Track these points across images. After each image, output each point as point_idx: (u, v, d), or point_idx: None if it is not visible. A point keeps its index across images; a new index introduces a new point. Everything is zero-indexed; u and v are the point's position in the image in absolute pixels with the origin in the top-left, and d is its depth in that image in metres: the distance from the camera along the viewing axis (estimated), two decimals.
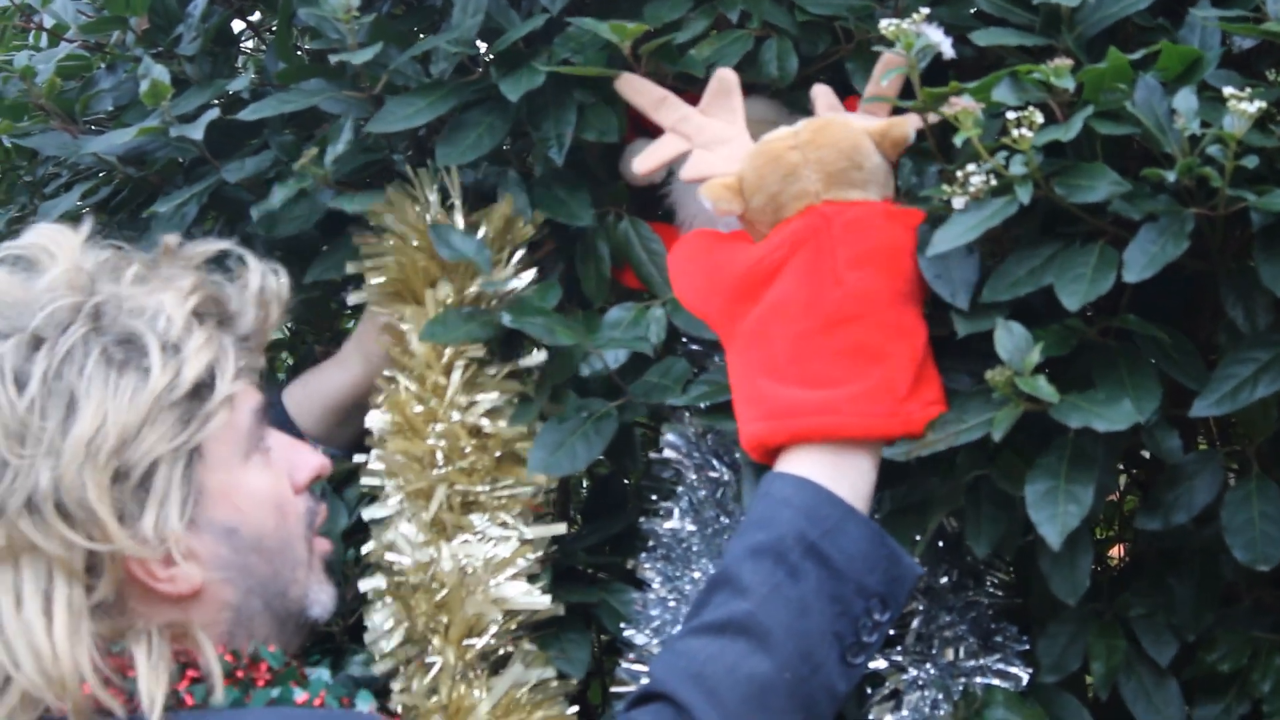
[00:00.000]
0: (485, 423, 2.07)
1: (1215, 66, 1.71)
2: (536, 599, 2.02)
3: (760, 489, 1.75)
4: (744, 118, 1.90)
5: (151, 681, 1.61)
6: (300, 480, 1.79)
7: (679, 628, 1.98)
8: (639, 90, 1.94)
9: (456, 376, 2.07)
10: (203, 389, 1.67)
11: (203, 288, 1.72)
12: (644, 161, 1.92)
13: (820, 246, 1.75)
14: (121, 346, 1.64)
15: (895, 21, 1.70)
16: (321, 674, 1.78)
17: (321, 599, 1.81)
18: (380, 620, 2.04)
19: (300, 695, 1.73)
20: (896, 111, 1.83)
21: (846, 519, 1.70)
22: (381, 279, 2.14)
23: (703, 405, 1.93)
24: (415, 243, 2.11)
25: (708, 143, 1.87)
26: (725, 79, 1.91)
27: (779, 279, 1.77)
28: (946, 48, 1.73)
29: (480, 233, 2.09)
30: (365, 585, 2.04)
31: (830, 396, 1.72)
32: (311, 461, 1.81)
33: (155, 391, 1.63)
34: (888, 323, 1.74)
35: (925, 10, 1.72)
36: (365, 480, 2.11)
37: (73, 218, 2.15)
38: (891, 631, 1.89)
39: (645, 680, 1.90)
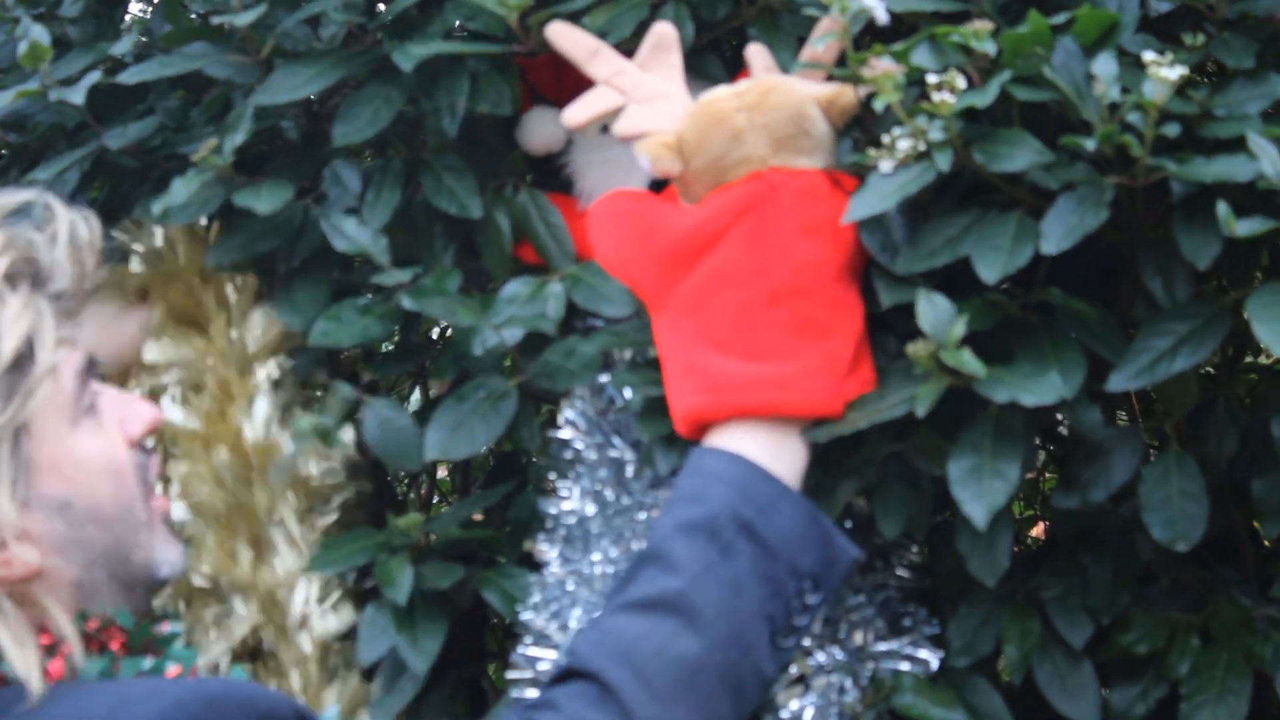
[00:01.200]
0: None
1: (1133, 31, 1.66)
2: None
3: (690, 462, 1.70)
4: (683, 74, 1.83)
5: (19, 650, 1.53)
6: (134, 433, 1.69)
7: (578, 611, 1.92)
8: (571, 41, 1.85)
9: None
10: (23, 361, 1.56)
11: (13, 246, 1.61)
12: (575, 114, 1.83)
13: (767, 214, 1.69)
14: None
15: None
16: (189, 651, 1.71)
17: (169, 558, 1.72)
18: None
19: (173, 668, 1.66)
20: (831, 78, 1.77)
21: (781, 497, 1.65)
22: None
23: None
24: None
25: (645, 98, 1.79)
26: (664, 33, 1.83)
27: (720, 246, 1.70)
28: (880, 13, 1.67)
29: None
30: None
31: (776, 371, 1.66)
32: (145, 413, 1.72)
33: None
34: (833, 298, 1.69)
35: None
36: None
37: None
38: None
39: (545, 660, 1.84)
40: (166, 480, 2.17)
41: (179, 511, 2.13)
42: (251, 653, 2.15)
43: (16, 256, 1.59)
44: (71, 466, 1.61)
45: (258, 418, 2.10)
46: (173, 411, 2.13)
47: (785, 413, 1.67)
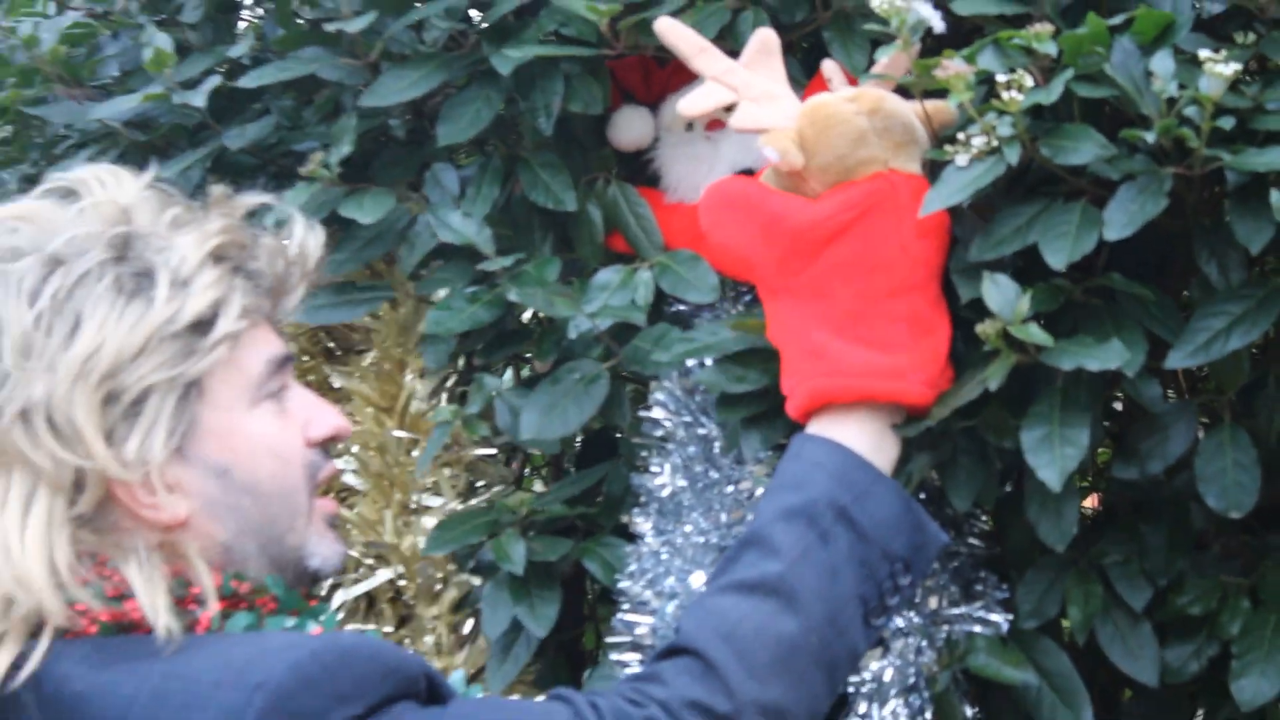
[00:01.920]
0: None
1: (1188, 30, 1.71)
2: None
3: (792, 449, 1.76)
4: (785, 77, 1.89)
5: (148, 592, 1.60)
6: (314, 435, 1.76)
7: (672, 579, 2.00)
8: (680, 37, 1.91)
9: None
10: (204, 324, 1.65)
11: (229, 232, 1.70)
12: (691, 105, 1.89)
13: (890, 213, 1.75)
14: (135, 278, 1.63)
15: None
16: (331, 616, 1.79)
17: (323, 552, 1.77)
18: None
19: (314, 628, 1.71)
20: (897, 88, 1.83)
21: (876, 484, 1.71)
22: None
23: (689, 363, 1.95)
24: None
25: (757, 97, 1.85)
26: (767, 38, 1.89)
27: (845, 238, 1.76)
28: (936, 21, 1.72)
29: None
30: None
31: (895, 361, 1.73)
32: (330, 420, 1.78)
33: (156, 321, 1.61)
34: (936, 296, 1.76)
35: None
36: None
37: None
38: None
39: (641, 625, 1.91)
40: None
41: (342, 463, 2.28)
42: (397, 622, 2.27)
43: (229, 240, 1.69)
44: (238, 439, 1.68)
45: (425, 388, 2.22)
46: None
47: (903, 401, 1.73)
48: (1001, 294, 1.65)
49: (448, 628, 2.26)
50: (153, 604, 1.59)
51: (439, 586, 2.29)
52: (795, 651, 1.64)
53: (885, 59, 1.78)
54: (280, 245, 1.76)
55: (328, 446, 1.79)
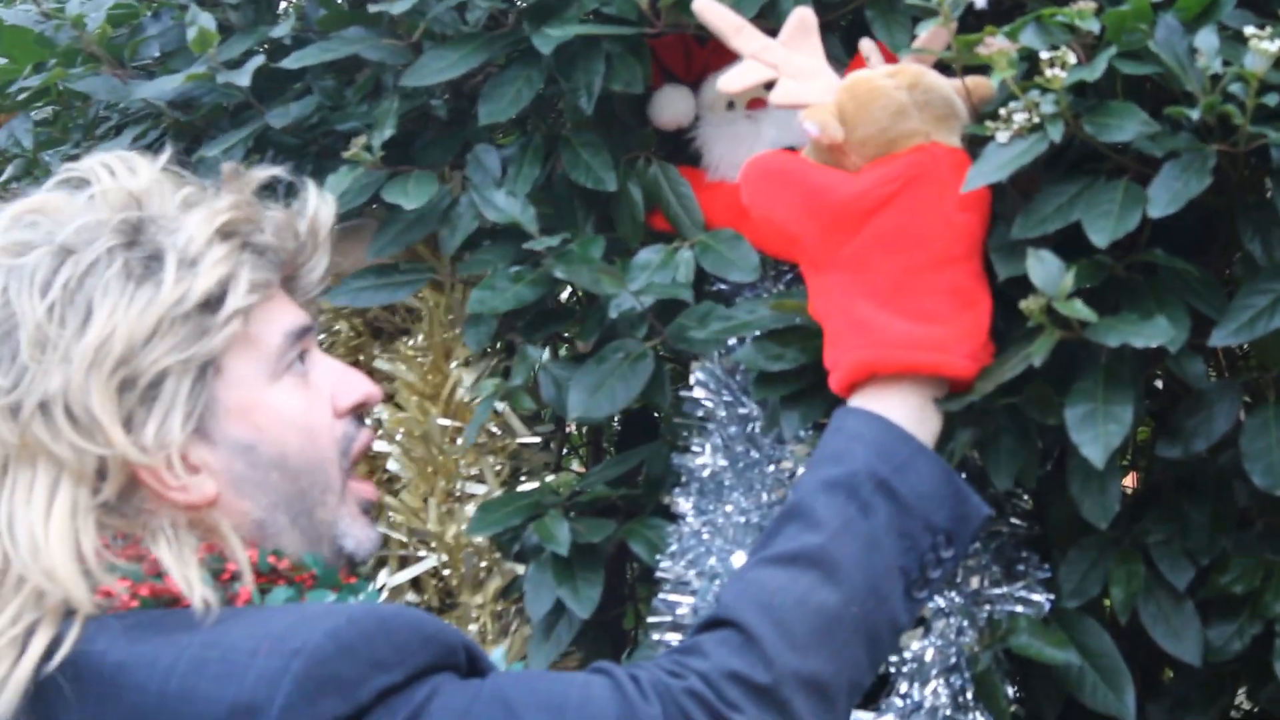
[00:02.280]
0: None
1: (1232, 7, 1.69)
2: None
3: (833, 423, 1.75)
4: (823, 55, 1.89)
5: (180, 567, 1.62)
6: (343, 405, 1.77)
7: (713, 559, 2.00)
8: (718, 15, 1.90)
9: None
10: (214, 303, 1.66)
11: (237, 208, 1.71)
12: (731, 82, 1.89)
13: (932, 185, 1.74)
14: (144, 261, 1.65)
15: None
16: (372, 592, 1.79)
17: (355, 533, 1.78)
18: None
19: (354, 601, 1.72)
20: (937, 63, 1.82)
21: (917, 455, 1.71)
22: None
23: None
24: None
25: (795, 73, 1.85)
26: (805, 17, 1.89)
27: (887, 210, 1.75)
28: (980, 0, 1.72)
29: None
30: None
31: (938, 333, 1.72)
32: (359, 386, 1.79)
33: (165, 304, 1.62)
34: (978, 269, 1.76)
35: None
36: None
37: None
38: None
39: (683, 605, 1.91)
40: (378, 423, 2.31)
41: (387, 448, 2.29)
42: (437, 608, 2.28)
43: (237, 217, 1.70)
44: (261, 414, 1.70)
45: (470, 377, 2.22)
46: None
47: (945, 373, 1.73)
48: (1046, 270, 1.64)
49: (491, 616, 2.28)
50: (185, 578, 1.61)
51: (483, 574, 2.30)
52: (835, 623, 1.64)
53: (925, 34, 1.77)
54: (290, 218, 1.77)
55: (360, 414, 1.80)
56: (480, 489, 2.30)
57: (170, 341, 1.62)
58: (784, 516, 1.71)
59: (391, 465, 2.35)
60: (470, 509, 2.24)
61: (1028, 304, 1.64)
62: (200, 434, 1.67)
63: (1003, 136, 1.68)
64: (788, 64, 1.86)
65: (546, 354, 2.14)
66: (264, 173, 1.80)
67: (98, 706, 1.58)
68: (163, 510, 1.65)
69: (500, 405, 2.18)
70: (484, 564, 2.29)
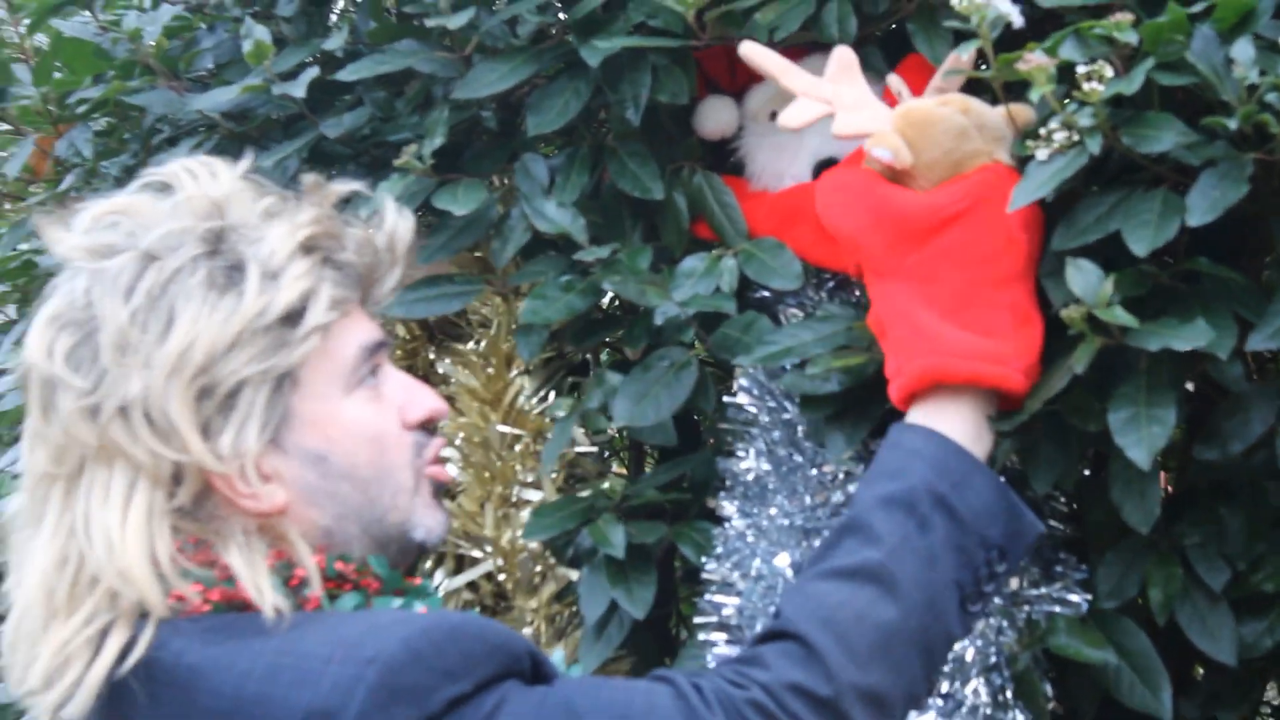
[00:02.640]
0: None
1: (1269, 17, 1.71)
2: None
3: (890, 439, 1.77)
4: (868, 88, 1.91)
5: (251, 574, 1.63)
6: (411, 419, 1.78)
7: (758, 561, 2.03)
8: (765, 58, 1.93)
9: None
10: (294, 316, 1.66)
11: (320, 222, 1.72)
12: (792, 119, 1.90)
13: (1001, 203, 1.76)
14: (227, 271, 1.65)
15: None
16: (435, 598, 1.81)
17: (427, 523, 1.78)
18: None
19: (420, 607, 1.73)
20: (970, 82, 1.85)
21: (974, 472, 1.72)
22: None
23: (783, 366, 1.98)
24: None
25: (849, 106, 1.87)
26: (844, 57, 1.91)
27: (955, 226, 1.78)
28: (1016, 17, 1.73)
29: None
30: None
31: (1000, 347, 1.74)
32: (426, 402, 1.79)
33: (247, 315, 1.63)
34: (1032, 288, 1.78)
35: None
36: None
37: None
38: None
39: (728, 606, 1.92)
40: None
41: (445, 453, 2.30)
42: (491, 610, 2.31)
43: (319, 231, 1.70)
44: (334, 426, 1.70)
45: (531, 385, 2.26)
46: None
47: (1005, 386, 1.74)
48: (1085, 279, 1.66)
49: (545, 620, 2.30)
50: (256, 585, 1.62)
51: (537, 579, 2.33)
52: (894, 637, 1.65)
53: (965, 55, 1.79)
54: (369, 235, 1.78)
55: (429, 427, 1.81)
56: (536, 495, 2.33)
57: (250, 352, 1.63)
58: (842, 530, 1.72)
59: (450, 470, 2.38)
60: (526, 514, 2.27)
61: (1069, 312, 1.66)
62: (274, 444, 1.67)
63: (1043, 154, 1.70)
64: (839, 98, 1.88)
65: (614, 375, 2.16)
66: (346, 186, 1.81)
67: (172, 709, 1.59)
68: (234, 517, 1.66)
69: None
70: (538, 569, 2.32)
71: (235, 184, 1.74)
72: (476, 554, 2.37)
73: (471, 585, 2.39)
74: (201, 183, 1.73)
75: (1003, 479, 1.77)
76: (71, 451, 1.65)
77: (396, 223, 1.80)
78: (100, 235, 1.70)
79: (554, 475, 2.35)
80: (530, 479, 2.35)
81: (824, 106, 1.89)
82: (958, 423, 1.75)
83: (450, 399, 2.36)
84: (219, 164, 1.76)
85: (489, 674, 1.57)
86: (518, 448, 2.34)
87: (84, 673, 1.60)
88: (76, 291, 1.68)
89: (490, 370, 2.36)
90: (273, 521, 1.68)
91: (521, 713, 1.57)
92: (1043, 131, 1.71)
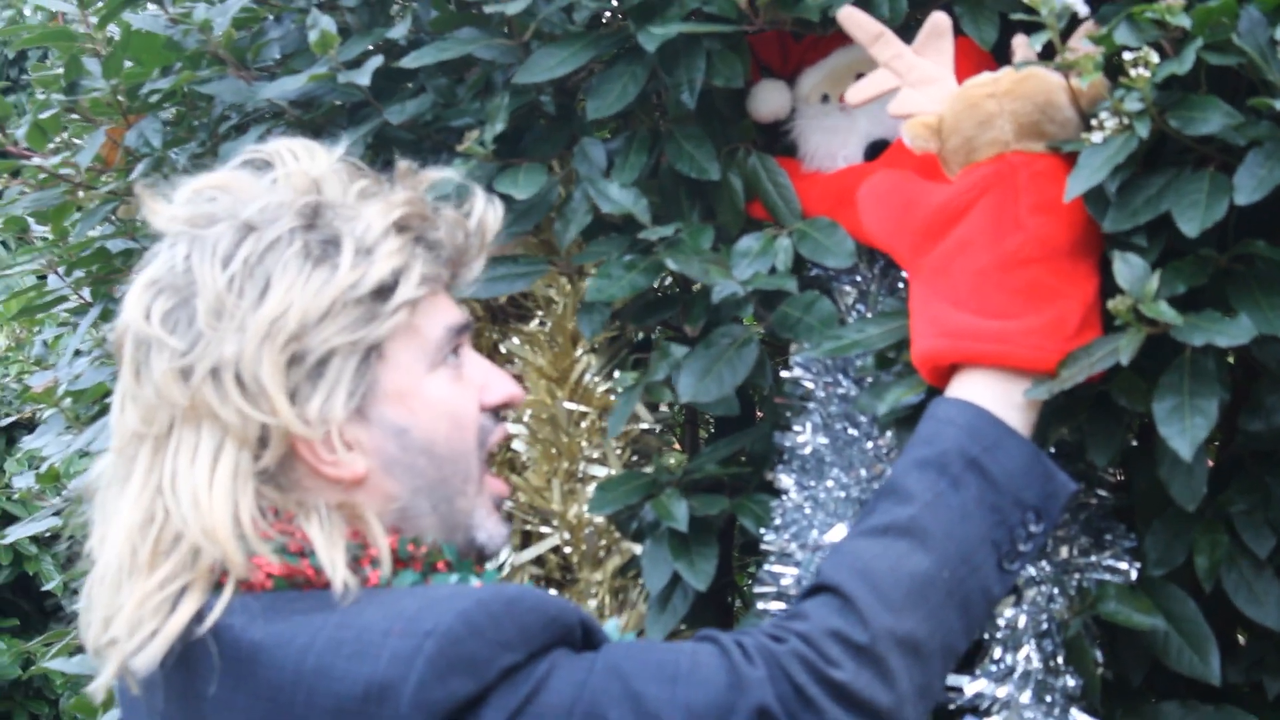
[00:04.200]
0: None
1: None
2: None
3: (928, 411, 1.79)
4: (953, 60, 1.90)
5: (328, 549, 1.65)
6: (489, 400, 1.80)
7: (815, 532, 2.03)
8: (859, 24, 1.92)
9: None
10: (386, 291, 1.69)
11: (413, 204, 1.74)
12: (857, 94, 1.93)
13: (1006, 192, 1.78)
14: (322, 245, 1.68)
15: None
16: (493, 574, 1.82)
17: (488, 527, 1.81)
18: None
19: (475, 582, 1.75)
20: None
21: (1006, 437, 1.74)
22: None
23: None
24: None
25: (916, 82, 1.87)
26: (939, 22, 1.90)
27: (965, 218, 1.79)
28: (1080, 6, 1.72)
29: None
30: None
31: (1004, 327, 1.75)
32: (505, 387, 1.82)
33: (340, 287, 1.65)
34: (1062, 268, 1.77)
35: None
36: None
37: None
38: None
39: (787, 576, 1.93)
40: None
41: (514, 429, 2.35)
42: (557, 583, 2.32)
43: (412, 212, 1.73)
44: (417, 400, 1.73)
45: (598, 363, 2.27)
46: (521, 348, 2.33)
47: (1008, 364, 1.75)
48: (1132, 271, 1.67)
49: (610, 591, 2.31)
50: (331, 560, 1.64)
51: (602, 553, 2.34)
52: (928, 586, 1.67)
53: (1035, 48, 1.77)
54: (460, 217, 1.80)
55: (500, 412, 1.83)
56: (602, 470, 2.34)
57: (341, 323, 1.65)
58: (879, 494, 1.75)
59: (517, 445, 2.39)
60: (591, 489, 2.28)
61: (1115, 304, 1.66)
62: (358, 413, 1.69)
63: (1097, 137, 1.70)
64: (911, 71, 1.88)
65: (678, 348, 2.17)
66: (438, 173, 1.84)
67: (234, 681, 1.62)
68: (317, 487, 1.69)
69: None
70: (603, 543, 2.33)
71: (333, 165, 1.77)
72: (544, 529, 2.38)
73: (538, 560, 2.40)
74: (301, 161, 1.76)
75: (1051, 450, 1.78)
76: (162, 411, 1.68)
77: (486, 210, 1.82)
78: (200, 207, 1.74)
79: (619, 451, 2.35)
80: (596, 455, 2.35)
81: (893, 80, 1.89)
82: (988, 396, 1.76)
83: (518, 377, 2.37)
84: (317, 146, 1.79)
85: (542, 644, 1.59)
86: (584, 424, 2.35)
87: (159, 628, 1.63)
88: (176, 258, 1.71)
89: (556, 349, 2.37)
90: (350, 495, 1.70)
91: (573, 678, 1.59)
92: (1094, 121, 1.71)
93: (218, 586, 1.65)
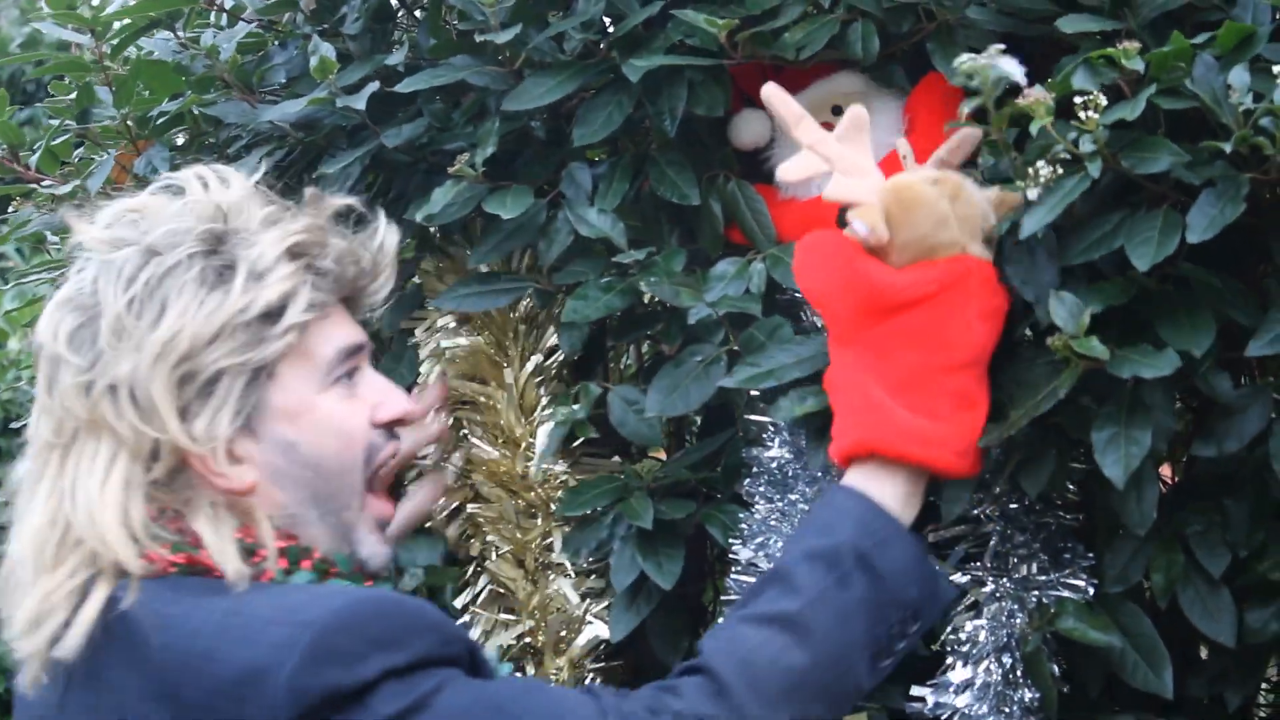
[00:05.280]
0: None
1: (1267, 41, 1.73)
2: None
3: (824, 497, 1.83)
4: (871, 153, 1.92)
5: (217, 542, 1.71)
6: (381, 417, 1.84)
7: (779, 542, 2.05)
8: (782, 104, 1.93)
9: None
10: (274, 315, 1.74)
11: (309, 231, 1.79)
12: (789, 172, 1.94)
13: (961, 294, 1.79)
14: (219, 270, 1.73)
15: (972, 58, 1.72)
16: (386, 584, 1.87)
17: (369, 544, 1.85)
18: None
19: (367, 583, 1.82)
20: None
21: (898, 535, 1.77)
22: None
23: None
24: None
25: (847, 170, 1.88)
26: (858, 116, 1.91)
27: (918, 309, 1.80)
28: (1019, 76, 1.73)
29: None
30: None
31: (933, 429, 1.77)
32: (396, 405, 1.86)
33: (230, 311, 1.71)
34: (982, 375, 1.81)
35: (999, 46, 1.73)
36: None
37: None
38: (971, 549, 1.98)
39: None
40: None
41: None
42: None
43: (307, 240, 1.79)
44: (306, 418, 1.78)
45: (539, 451, 2.29)
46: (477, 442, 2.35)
47: (934, 466, 1.79)
48: (1066, 310, 1.70)
49: (573, 679, 2.31)
50: (221, 550, 1.70)
51: (564, 645, 2.35)
52: (803, 684, 1.71)
53: (965, 110, 1.79)
54: (353, 247, 1.85)
55: (393, 429, 1.87)
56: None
57: (230, 345, 1.71)
58: (768, 579, 1.78)
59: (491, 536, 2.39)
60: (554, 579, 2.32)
61: (1053, 341, 1.70)
62: (248, 430, 1.75)
63: (1033, 194, 1.73)
64: (841, 159, 1.89)
65: (608, 384, 2.22)
66: (341, 200, 1.88)
67: (130, 662, 1.68)
68: (205, 491, 1.74)
69: None
70: (564, 633, 2.34)
71: (243, 192, 1.81)
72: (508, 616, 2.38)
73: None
74: (211, 189, 1.80)
75: (921, 541, 1.83)
76: (67, 424, 1.74)
77: (385, 235, 1.88)
78: (117, 230, 1.79)
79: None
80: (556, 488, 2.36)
81: (822, 164, 1.90)
82: (889, 488, 1.79)
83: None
84: (232, 173, 1.84)
85: (424, 652, 1.63)
86: (539, 519, 2.35)
87: (68, 620, 1.69)
88: (85, 279, 1.78)
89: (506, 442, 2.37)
90: (241, 500, 1.75)
91: (458, 703, 1.63)
92: (1031, 171, 1.73)
93: (124, 574, 1.71)
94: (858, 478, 1.81)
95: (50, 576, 1.72)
